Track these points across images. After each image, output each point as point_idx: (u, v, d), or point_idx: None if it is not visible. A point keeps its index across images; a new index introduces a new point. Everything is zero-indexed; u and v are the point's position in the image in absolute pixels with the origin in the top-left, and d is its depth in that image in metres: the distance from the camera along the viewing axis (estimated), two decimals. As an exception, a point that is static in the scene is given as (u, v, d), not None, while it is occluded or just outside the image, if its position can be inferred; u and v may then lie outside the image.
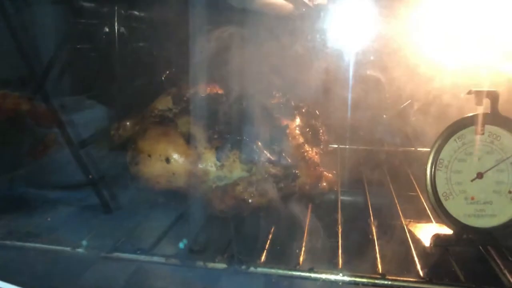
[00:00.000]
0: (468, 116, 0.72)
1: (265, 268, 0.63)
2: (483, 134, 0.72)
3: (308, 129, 0.88)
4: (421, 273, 0.63)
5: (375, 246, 0.70)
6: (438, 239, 0.71)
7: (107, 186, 0.89)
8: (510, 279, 0.63)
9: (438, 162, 0.72)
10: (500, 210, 0.72)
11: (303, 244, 0.70)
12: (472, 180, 0.72)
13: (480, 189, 0.72)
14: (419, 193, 0.90)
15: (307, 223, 0.78)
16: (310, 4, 1.15)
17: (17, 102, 0.99)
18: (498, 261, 0.67)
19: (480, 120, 0.72)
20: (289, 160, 0.78)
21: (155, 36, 1.37)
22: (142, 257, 0.64)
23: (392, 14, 1.07)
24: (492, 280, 0.63)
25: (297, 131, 0.84)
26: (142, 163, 0.80)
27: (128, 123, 0.90)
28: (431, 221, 0.80)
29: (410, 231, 0.76)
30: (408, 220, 0.82)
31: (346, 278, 0.62)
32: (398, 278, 0.61)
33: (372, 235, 0.74)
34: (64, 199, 0.92)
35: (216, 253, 0.67)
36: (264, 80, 1.00)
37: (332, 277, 0.62)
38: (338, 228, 0.75)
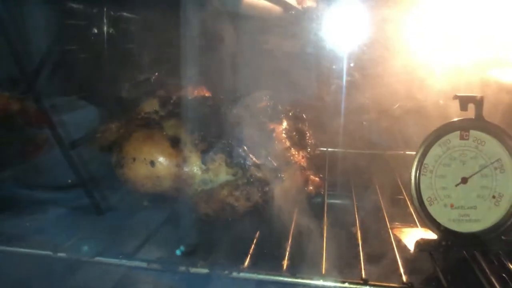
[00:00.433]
0: (452, 121, 0.73)
1: (248, 273, 0.63)
2: (467, 139, 0.72)
3: (295, 133, 0.88)
4: (404, 279, 0.63)
5: (359, 251, 0.70)
6: (422, 244, 0.71)
7: (98, 187, 0.88)
8: (496, 284, 0.63)
9: (422, 167, 0.72)
10: (484, 215, 0.72)
11: (287, 249, 0.69)
12: (456, 185, 0.73)
13: (465, 194, 0.73)
14: (406, 196, 0.90)
15: (292, 227, 0.77)
16: (299, 7, 1.15)
17: (7, 102, 0.98)
18: (484, 265, 0.67)
19: (464, 125, 0.72)
20: (275, 164, 0.78)
21: (145, 37, 1.37)
22: (124, 262, 0.64)
23: (380, 18, 1.07)
24: (475, 286, 0.63)
25: (284, 135, 0.84)
26: (127, 167, 0.79)
27: (114, 126, 0.89)
28: (416, 226, 0.80)
29: (395, 236, 0.76)
30: (394, 224, 0.82)
31: (329, 284, 0.62)
32: (381, 284, 0.61)
33: (357, 240, 0.73)
34: (55, 200, 0.91)
35: (200, 258, 0.66)
36: (252, 83, 1.00)
37: (314, 282, 0.62)
38: (323, 232, 0.75)
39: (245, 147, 0.78)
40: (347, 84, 1.16)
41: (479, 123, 0.72)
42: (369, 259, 0.69)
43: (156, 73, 1.36)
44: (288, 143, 0.83)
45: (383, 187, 0.97)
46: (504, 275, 0.68)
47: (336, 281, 0.62)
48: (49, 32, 1.24)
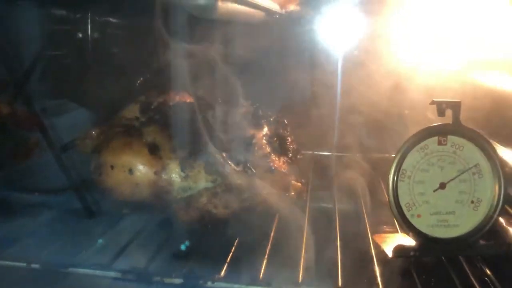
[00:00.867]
0: (430, 127, 0.72)
1: (223, 283, 0.62)
2: (445, 144, 0.72)
3: (276, 139, 0.88)
4: (380, 286, 0.63)
5: (337, 258, 0.69)
6: (400, 250, 0.71)
7: (89, 190, 0.87)
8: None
9: (400, 172, 0.72)
10: (463, 220, 0.72)
11: (265, 257, 0.69)
12: (434, 191, 0.72)
13: (443, 200, 0.72)
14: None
15: (272, 234, 0.77)
16: (282, 11, 1.15)
17: (-3, 105, 0.98)
18: (468, 270, 0.67)
19: (442, 130, 0.72)
20: (254, 171, 0.78)
21: (131, 42, 1.36)
22: (98, 272, 0.63)
23: (365, 21, 1.08)
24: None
25: (264, 141, 0.84)
26: (105, 174, 0.79)
27: (94, 132, 0.88)
28: (397, 231, 0.80)
29: (374, 241, 0.76)
30: (376, 229, 0.82)
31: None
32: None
33: (336, 246, 0.73)
34: (46, 203, 0.91)
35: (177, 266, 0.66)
36: (234, 89, 1.00)
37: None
38: (302, 239, 0.75)
39: (224, 154, 0.77)
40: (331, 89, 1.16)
41: (457, 128, 0.72)
42: (347, 266, 0.68)
43: (141, 78, 1.36)
44: (268, 149, 0.83)
45: (368, 191, 0.97)
46: (486, 278, 0.68)
47: (312, 290, 0.61)
48: (38, 37, 1.24)
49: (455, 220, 0.72)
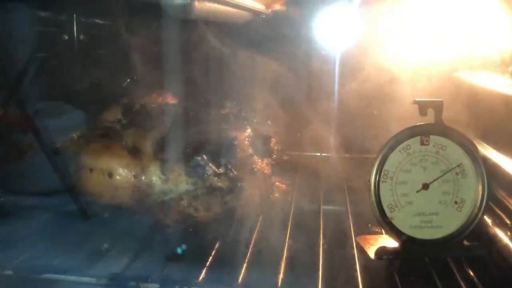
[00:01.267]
0: (412, 126, 0.71)
1: (200, 287, 0.61)
2: (428, 144, 0.71)
3: (259, 140, 0.87)
4: (361, 289, 0.61)
5: (319, 260, 0.68)
6: (382, 252, 0.70)
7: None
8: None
9: (382, 173, 0.71)
10: (446, 221, 0.71)
11: (245, 261, 0.68)
12: (417, 191, 0.71)
13: (426, 200, 0.71)
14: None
15: (254, 237, 0.76)
16: (268, 11, 1.14)
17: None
18: (453, 272, 0.66)
19: (425, 130, 0.71)
20: (235, 173, 0.76)
21: (118, 43, 1.35)
22: (73, 278, 0.62)
23: (354, 20, 1.07)
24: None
25: (247, 142, 0.83)
26: (85, 178, 0.77)
27: (76, 136, 0.87)
28: (382, 233, 0.79)
29: (357, 243, 0.74)
30: (360, 230, 0.81)
31: (284, 296, 0.60)
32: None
33: (319, 249, 0.72)
34: (40, 205, 0.89)
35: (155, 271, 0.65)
36: (218, 90, 0.99)
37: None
38: (284, 242, 0.74)
39: (204, 156, 0.76)
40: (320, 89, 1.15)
41: (440, 128, 0.71)
42: (329, 269, 0.67)
43: (128, 80, 1.35)
44: (251, 151, 0.82)
45: (353, 192, 0.96)
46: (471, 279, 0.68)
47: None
48: (28, 39, 1.23)
49: (438, 221, 0.71)
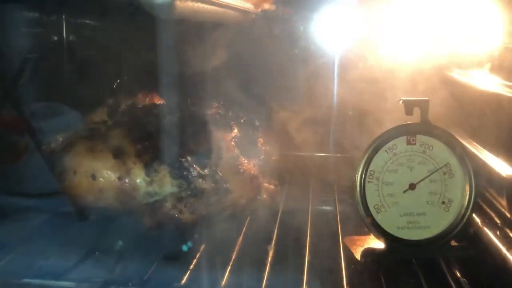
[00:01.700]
0: (398, 126, 0.70)
1: (181, 291, 0.60)
2: (414, 144, 0.70)
3: (246, 140, 0.86)
4: (346, 291, 0.61)
5: (304, 263, 0.67)
6: (368, 253, 0.69)
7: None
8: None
9: (368, 173, 0.70)
10: (434, 221, 0.71)
11: (230, 264, 0.67)
12: (404, 192, 0.71)
13: (413, 201, 0.71)
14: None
15: (240, 239, 0.75)
16: (258, 10, 1.13)
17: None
18: (443, 272, 0.65)
19: (411, 130, 0.70)
20: (221, 174, 0.75)
21: (108, 44, 1.34)
22: (52, 283, 0.61)
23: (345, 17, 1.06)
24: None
25: (233, 143, 0.82)
26: (68, 180, 0.76)
27: (60, 137, 0.86)
28: (369, 234, 0.78)
29: (344, 244, 0.74)
30: (348, 232, 0.80)
31: (267, 299, 0.60)
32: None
33: (305, 251, 0.71)
34: (37, 207, 0.88)
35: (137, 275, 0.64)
36: (205, 90, 0.98)
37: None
38: (271, 243, 0.73)
39: (189, 157, 0.75)
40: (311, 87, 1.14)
41: (426, 127, 0.71)
42: (314, 271, 0.66)
43: (118, 81, 1.34)
44: (237, 151, 0.81)
45: (341, 192, 0.95)
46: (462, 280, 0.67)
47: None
48: (21, 40, 1.22)
49: (426, 221, 0.71)
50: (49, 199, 0.89)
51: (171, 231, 0.77)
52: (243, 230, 0.77)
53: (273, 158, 0.94)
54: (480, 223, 0.78)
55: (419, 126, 0.70)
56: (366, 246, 0.72)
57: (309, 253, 0.70)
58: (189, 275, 0.65)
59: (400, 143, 0.70)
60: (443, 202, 0.71)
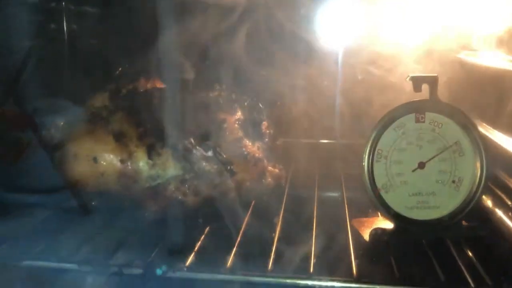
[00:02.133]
0: (407, 103, 0.69)
1: (185, 272, 0.59)
2: (423, 122, 0.68)
3: (250, 123, 0.84)
4: (354, 271, 0.59)
5: (311, 244, 0.66)
6: (377, 234, 0.67)
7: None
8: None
9: (376, 152, 0.68)
10: (443, 201, 0.69)
11: (235, 246, 0.65)
12: (413, 171, 0.69)
13: (422, 180, 0.69)
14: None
15: (245, 222, 0.73)
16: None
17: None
18: (453, 254, 0.64)
19: (420, 107, 0.68)
20: (224, 156, 0.74)
21: (109, 31, 1.33)
22: (53, 265, 0.60)
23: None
24: (429, 277, 0.59)
25: (237, 125, 0.80)
26: (69, 164, 0.75)
27: (60, 122, 0.85)
28: (377, 216, 0.76)
29: (352, 226, 0.72)
30: (355, 214, 0.78)
31: (274, 280, 0.58)
32: (325, 277, 0.57)
33: (312, 232, 0.69)
34: (41, 202, 0.87)
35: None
36: (208, 73, 0.96)
37: (257, 279, 0.58)
38: (276, 227, 0.71)
39: (192, 140, 0.74)
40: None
41: (435, 104, 0.69)
42: (321, 252, 0.65)
43: (120, 68, 1.32)
44: (241, 134, 0.79)
45: (348, 177, 0.93)
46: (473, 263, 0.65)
47: (280, 277, 0.58)
48: (23, 32, 1.21)
49: (435, 201, 0.69)
50: (52, 195, 0.87)
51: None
52: (248, 212, 0.76)
53: (277, 142, 0.93)
54: (491, 205, 0.76)
55: (428, 103, 0.68)
56: (374, 227, 0.70)
57: (316, 235, 0.69)
58: (193, 257, 0.63)
59: (408, 121, 0.68)
60: (453, 181, 0.69)
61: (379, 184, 0.68)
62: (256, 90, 0.96)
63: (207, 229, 0.72)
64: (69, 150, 0.75)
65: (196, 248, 0.66)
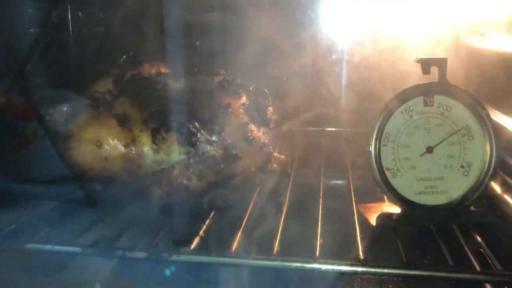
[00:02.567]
0: (415, 86, 0.67)
1: (189, 255, 0.58)
2: (432, 105, 0.67)
3: (255, 108, 0.83)
4: (361, 255, 0.58)
5: (317, 229, 0.65)
6: (384, 219, 0.66)
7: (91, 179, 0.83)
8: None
9: (383, 136, 0.67)
10: (452, 186, 0.67)
11: (240, 230, 0.65)
12: (421, 155, 0.67)
13: (431, 164, 0.68)
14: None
15: (250, 207, 0.72)
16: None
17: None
18: (460, 240, 0.63)
19: (428, 90, 0.67)
20: (229, 140, 0.73)
21: (114, 19, 1.32)
22: (58, 248, 0.59)
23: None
24: (436, 260, 0.58)
25: (242, 110, 0.79)
26: (73, 148, 0.74)
27: (65, 108, 0.84)
28: (384, 201, 0.75)
29: (358, 211, 0.71)
30: (361, 200, 0.77)
31: (279, 263, 0.57)
32: (331, 261, 0.56)
33: (318, 217, 0.69)
34: (47, 193, 0.87)
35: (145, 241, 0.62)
36: (214, 58, 0.95)
37: (264, 262, 0.57)
38: (282, 210, 0.70)
39: (196, 124, 0.73)
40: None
41: (444, 87, 0.67)
42: (328, 237, 0.64)
43: (124, 56, 1.31)
44: (246, 119, 0.78)
45: (354, 164, 0.92)
46: (481, 249, 0.64)
47: (286, 261, 0.57)
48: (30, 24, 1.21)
49: (444, 186, 0.68)
50: (58, 186, 0.87)
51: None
52: (254, 197, 0.75)
53: (284, 128, 0.92)
54: (500, 191, 0.75)
55: (437, 86, 0.67)
56: (381, 212, 0.70)
57: (322, 220, 0.68)
58: (198, 240, 0.63)
59: (417, 105, 0.67)
60: (462, 166, 0.67)
61: (386, 168, 0.66)
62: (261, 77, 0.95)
63: (212, 213, 0.71)
64: (73, 135, 0.75)
65: (201, 232, 0.65)
